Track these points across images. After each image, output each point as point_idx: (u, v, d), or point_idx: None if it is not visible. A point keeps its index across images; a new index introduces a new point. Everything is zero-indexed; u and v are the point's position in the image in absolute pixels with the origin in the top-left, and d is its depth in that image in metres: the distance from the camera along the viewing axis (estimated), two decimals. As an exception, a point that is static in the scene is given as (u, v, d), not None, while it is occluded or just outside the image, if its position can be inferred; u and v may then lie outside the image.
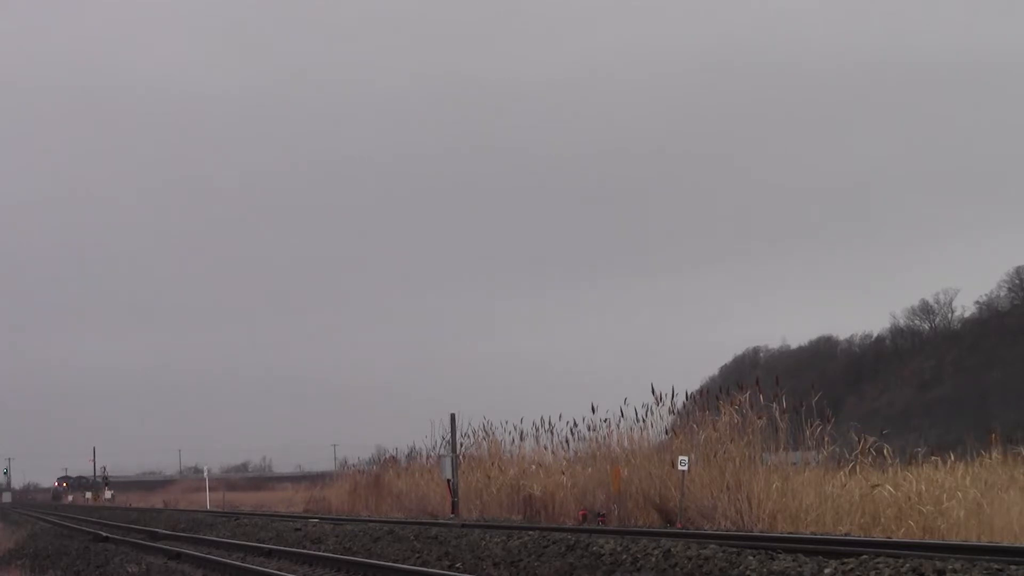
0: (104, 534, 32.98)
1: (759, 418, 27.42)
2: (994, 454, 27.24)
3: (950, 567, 13.16)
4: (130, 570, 21.57)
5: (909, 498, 24.36)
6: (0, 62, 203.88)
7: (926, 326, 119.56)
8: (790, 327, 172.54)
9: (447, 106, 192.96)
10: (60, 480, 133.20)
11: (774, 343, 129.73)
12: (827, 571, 14.15)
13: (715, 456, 27.84)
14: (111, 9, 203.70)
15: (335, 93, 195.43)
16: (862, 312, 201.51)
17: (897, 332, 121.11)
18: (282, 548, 24.15)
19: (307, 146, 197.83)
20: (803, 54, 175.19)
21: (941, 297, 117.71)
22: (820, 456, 26.83)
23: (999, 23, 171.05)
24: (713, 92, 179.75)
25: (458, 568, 18.34)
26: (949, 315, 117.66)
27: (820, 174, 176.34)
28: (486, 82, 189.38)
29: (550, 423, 37.48)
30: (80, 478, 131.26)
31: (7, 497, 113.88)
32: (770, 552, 16.29)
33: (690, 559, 16.23)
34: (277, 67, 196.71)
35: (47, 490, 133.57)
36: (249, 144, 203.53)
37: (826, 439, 26.87)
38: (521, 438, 39.20)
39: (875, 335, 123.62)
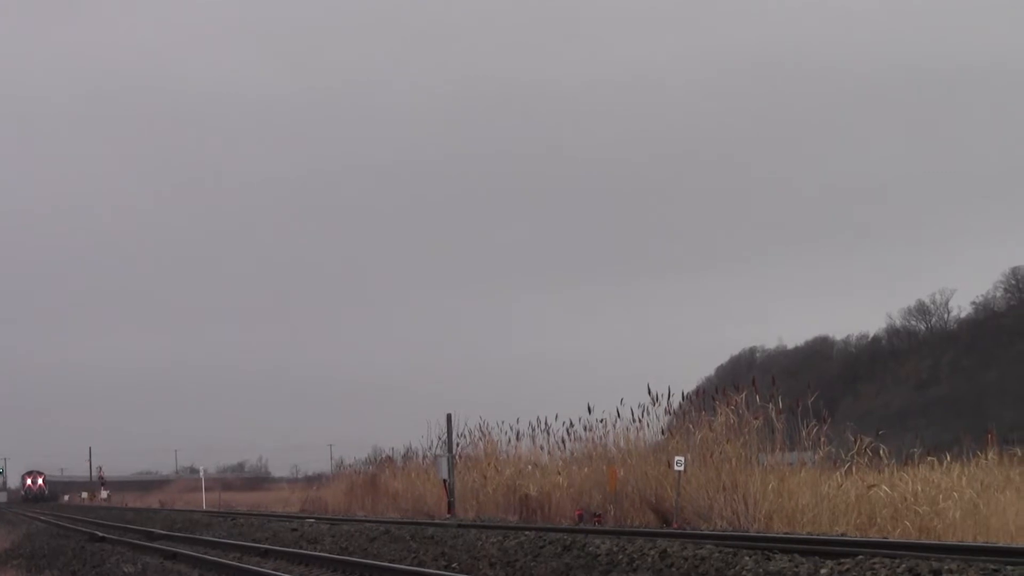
0: (100, 534, 32.95)
1: (755, 418, 27.43)
2: (990, 455, 27.22)
3: (946, 567, 13.17)
4: (126, 570, 21.55)
5: (905, 498, 24.39)
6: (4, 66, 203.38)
7: (922, 327, 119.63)
8: (786, 327, 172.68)
9: (446, 108, 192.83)
10: (32, 476, 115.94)
11: (770, 343, 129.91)
12: (823, 571, 14.17)
13: (711, 456, 27.84)
14: (109, 9, 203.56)
15: (341, 94, 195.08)
16: (858, 312, 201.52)
17: (893, 332, 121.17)
18: (278, 548, 24.14)
19: (307, 148, 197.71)
20: (803, 55, 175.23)
21: (937, 298, 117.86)
22: (816, 456, 26.85)
23: (996, 24, 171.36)
24: (713, 92, 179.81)
25: (454, 568, 18.34)
26: (945, 316, 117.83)
27: (818, 174, 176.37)
28: (488, 84, 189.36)
29: (546, 423, 37.52)
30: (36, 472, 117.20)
31: (3, 497, 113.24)
32: (766, 552, 16.30)
33: (686, 559, 16.24)
34: (289, 67, 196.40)
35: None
36: (250, 145, 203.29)
37: (822, 439, 26.88)
38: (517, 438, 39.26)
39: (871, 335, 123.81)
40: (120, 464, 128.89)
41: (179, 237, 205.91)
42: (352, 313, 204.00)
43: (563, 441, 36.42)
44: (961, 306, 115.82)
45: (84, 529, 38.13)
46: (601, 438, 33.85)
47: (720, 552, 16.37)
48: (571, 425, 35.73)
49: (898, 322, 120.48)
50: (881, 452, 26.71)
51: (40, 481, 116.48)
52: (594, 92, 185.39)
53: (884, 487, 24.73)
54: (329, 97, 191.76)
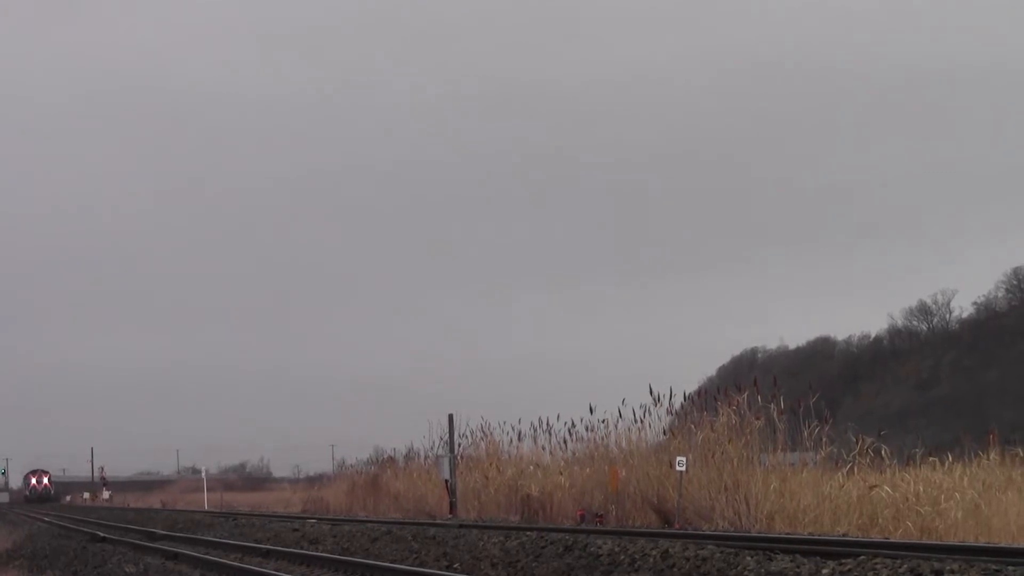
0: (102, 534, 32.97)
1: (757, 419, 27.45)
2: (992, 455, 27.24)
3: (948, 568, 13.17)
4: (128, 570, 21.57)
5: (907, 499, 24.39)
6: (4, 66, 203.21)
7: (924, 327, 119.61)
8: (788, 327, 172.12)
9: (446, 108, 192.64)
10: (37, 475, 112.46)
11: (772, 343, 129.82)
12: (825, 572, 14.16)
13: (713, 457, 27.85)
14: (109, 9, 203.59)
15: (341, 94, 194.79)
16: (860, 313, 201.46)
17: (895, 333, 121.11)
18: (280, 548, 24.15)
19: (307, 148, 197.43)
20: (803, 55, 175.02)
21: (939, 298, 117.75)
22: (818, 457, 26.86)
23: (996, 24, 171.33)
24: (713, 92, 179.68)
25: (456, 568, 18.34)
26: (947, 316, 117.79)
27: (818, 174, 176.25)
28: (488, 84, 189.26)
29: (548, 424, 37.57)
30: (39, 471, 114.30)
31: (5, 497, 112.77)
32: (768, 553, 16.30)
33: (688, 560, 16.24)
34: (289, 67, 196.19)
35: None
36: (250, 145, 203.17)
37: (824, 440, 26.89)
38: (519, 438, 39.31)
39: (873, 336, 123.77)
40: (121, 464, 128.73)
41: (179, 237, 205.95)
42: (352, 313, 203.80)
43: (565, 441, 36.52)
44: (963, 306, 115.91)
45: (86, 529, 38.14)
46: (603, 438, 33.92)
47: (722, 552, 16.37)
48: (573, 425, 35.82)
49: (900, 322, 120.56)
50: (883, 452, 26.73)
51: (45, 480, 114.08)
52: (594, 92, 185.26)
53: (886, 487, 24.74)
54: (329, 97, 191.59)
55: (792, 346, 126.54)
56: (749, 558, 15.70)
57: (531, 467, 37.36)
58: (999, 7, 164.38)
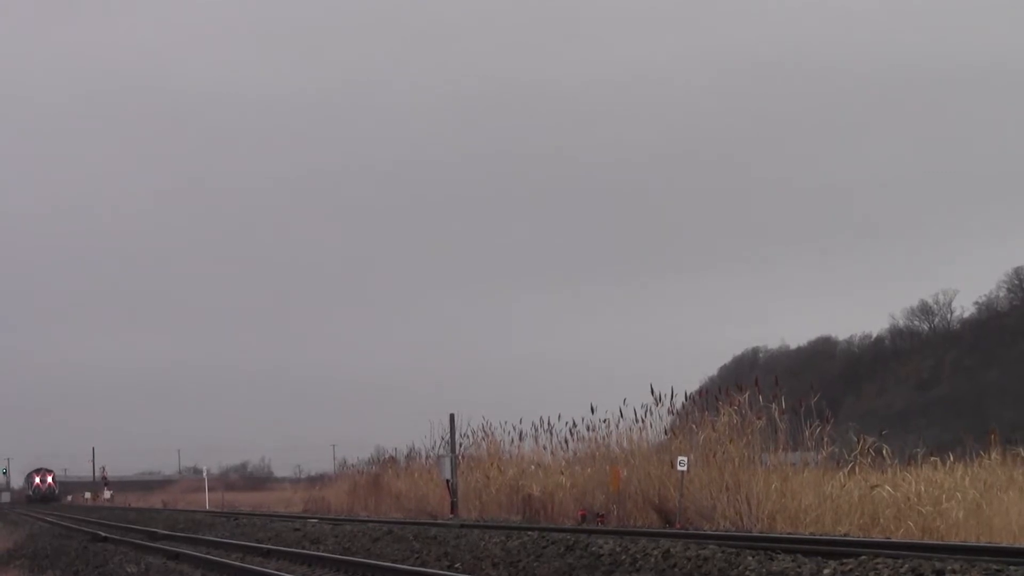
0: (103, 534, 32.98)
1: (758, 418, 27.46)
2: (993, 455, 27.24)
3: (949, 568, 13.17)
4: (129, 570, 21.58)
5: (908, 499, 24.40)
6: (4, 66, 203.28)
7: (925, 327, 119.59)
8: (789, 327, 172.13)
9: (446, 108, 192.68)
10: (40, 473, 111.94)
11: (773, 343, 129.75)
12: (826, 571, 14.17)
13: (714, 456, 27.86)
14: (109, 9, 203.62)
15: (341, 94, 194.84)
16: (861, 312, 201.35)
17: (896, 332, 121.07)
18: (281, 548, 24.16)
19: (307, 148, 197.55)
20: (803, 55, 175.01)
21: (940, 298, 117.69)
22: (819, 457, 26.87)
23: (996, 24, 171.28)
24: (713, 92, 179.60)
25: (457, 568, 18.36)
26: (948, 316, 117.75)
27: (818, 174, 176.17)
28: (488, 84, 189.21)
29: (549, 423, 37.58)
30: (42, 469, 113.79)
31: (6, 497, 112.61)
32: (769, 552, 16.31)
33: (689, 559, 16.25)
34: (289, 67, 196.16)
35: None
36: (250, 145, 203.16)
37: (825, 440, 26.90)
38: (520, 438, 39.35)
39: (874, 336, 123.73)
40: (122, 464, 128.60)
41: (179, 237, 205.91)
42: (352, 313, 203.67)
43: (566, 441, 36.53)
44: (964, 306, 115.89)
45: (87, 529, 38.16)
46: (604, 438, 33.94)
47: (723, 552, 16.38)
48: (574, 425, 35.83)
49: (901, 322, 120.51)
50: (884, 452, 26.74)
51: (49, 479, 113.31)
52: (594, 92, 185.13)
53: (887, 487, 24.75)
54: (329, 97, 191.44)
55: (793, 346, 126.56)
56: (750, 558, 15.70)
57: (532, 467, 37.39)
58: (999, 7, 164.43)
